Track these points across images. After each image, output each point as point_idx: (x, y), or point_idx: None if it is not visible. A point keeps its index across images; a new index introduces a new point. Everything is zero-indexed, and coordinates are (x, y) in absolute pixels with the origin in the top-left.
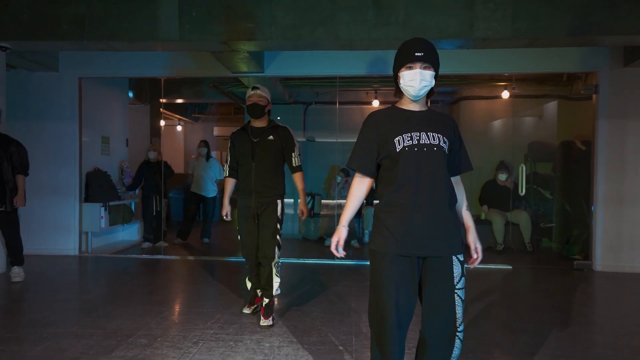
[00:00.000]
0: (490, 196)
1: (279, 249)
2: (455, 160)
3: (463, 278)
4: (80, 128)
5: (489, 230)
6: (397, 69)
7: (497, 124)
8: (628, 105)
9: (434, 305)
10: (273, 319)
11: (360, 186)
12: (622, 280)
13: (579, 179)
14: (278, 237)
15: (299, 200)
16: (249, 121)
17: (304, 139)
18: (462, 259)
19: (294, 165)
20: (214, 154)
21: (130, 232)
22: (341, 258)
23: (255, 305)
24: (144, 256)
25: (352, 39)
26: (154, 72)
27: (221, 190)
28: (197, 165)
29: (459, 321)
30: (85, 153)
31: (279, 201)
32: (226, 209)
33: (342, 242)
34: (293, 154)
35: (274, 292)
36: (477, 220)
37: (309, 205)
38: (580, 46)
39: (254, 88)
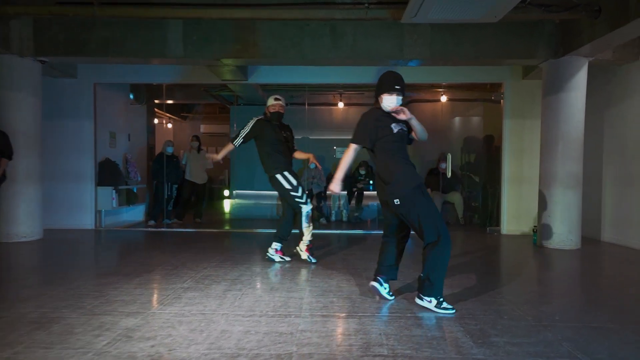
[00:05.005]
0: (432, 181)
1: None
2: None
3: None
4: (95, 125)
5: None
6: (381, 91)
7: (440, 122)
8: (525, 109)
9: None
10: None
11: (352, 154)
12: (515, 239)
13: (497, 166)
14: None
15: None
16: (269, 118)
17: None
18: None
19: (295, 148)
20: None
21: (134, 213)
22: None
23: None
24: (148, 229)
25: (315, 57)
26: (157, 79)
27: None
28: (190, 157)
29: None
30: (98, 146)
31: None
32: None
33: (337, 188)
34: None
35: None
36: None
37: None
38: (483, 65)
39: (276, 99)
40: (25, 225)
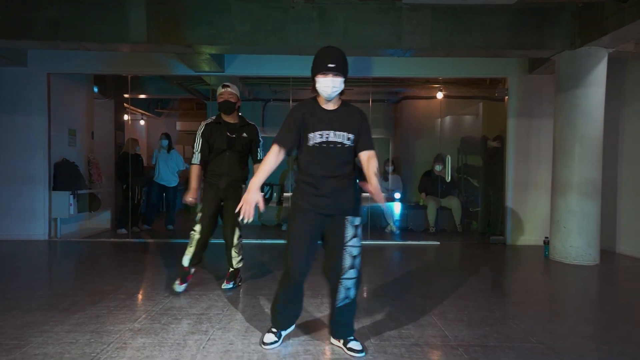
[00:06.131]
0: (427, 184)
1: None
2: (361, 141)
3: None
4: (49, 121)
5: (425, 214)
6: (313, 74)
7: (435, 121)
8: (532, 107)
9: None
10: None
11: (276, 157)
12: (523, 250)
13: (499, 169)
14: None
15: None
16: (220, 114)
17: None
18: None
19: (258, 158)
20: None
21: (99, 221)
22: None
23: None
24: (112, 240)
25: (300, 45)
26: (121, 69)
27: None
28: (159, 157)
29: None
30: (53, 144)
31: (243, 186)
32: (195, 193)
33: (251, 208)
34: (259, 149)
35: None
36: (415, 206)
37: (267, 195)
38: (490, 57)
39: (224, 86)
40: None
